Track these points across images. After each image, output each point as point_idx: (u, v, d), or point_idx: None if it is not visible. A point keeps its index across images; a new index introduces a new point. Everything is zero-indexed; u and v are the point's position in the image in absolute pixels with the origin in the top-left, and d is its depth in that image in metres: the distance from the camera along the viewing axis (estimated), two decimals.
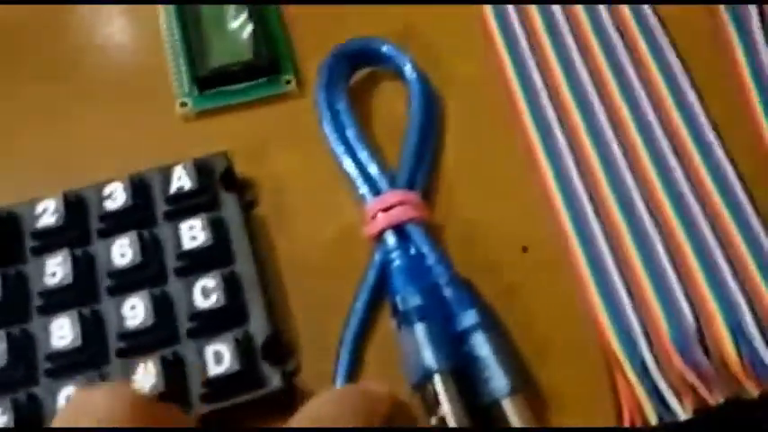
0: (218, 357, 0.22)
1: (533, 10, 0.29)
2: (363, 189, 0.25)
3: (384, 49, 0.28)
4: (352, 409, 0.20)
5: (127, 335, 0.23)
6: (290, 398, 0.23)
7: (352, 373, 0.24)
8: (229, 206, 0.25)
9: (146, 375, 0.22)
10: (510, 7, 0.29)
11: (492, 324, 0.23)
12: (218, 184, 0.26)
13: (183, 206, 0.25)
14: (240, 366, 0.22)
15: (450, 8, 0.30)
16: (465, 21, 0.30)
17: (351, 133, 0.26)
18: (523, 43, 0.28)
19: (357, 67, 0.28)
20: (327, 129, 0.26)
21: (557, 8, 0.29)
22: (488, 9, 0.29)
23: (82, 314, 0.23)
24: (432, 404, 0.22)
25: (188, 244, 0.24)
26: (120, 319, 0.23)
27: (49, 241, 0.25)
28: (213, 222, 0.25)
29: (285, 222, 0.26)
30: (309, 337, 0.24)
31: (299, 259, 0.26)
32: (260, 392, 0.23)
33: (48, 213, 0.25)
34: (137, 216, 0.25)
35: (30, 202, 0.25)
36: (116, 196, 0.25)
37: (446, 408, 0.21)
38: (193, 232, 0.24)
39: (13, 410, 0.22)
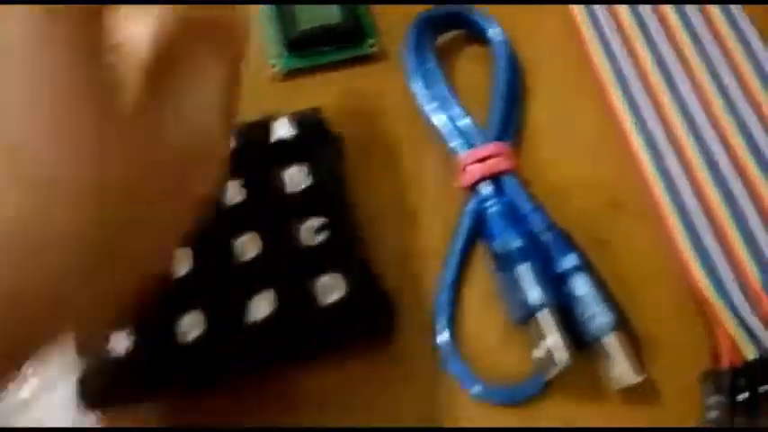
0: (329, 288, 0.23)
1: None
2: (455, 142, 0.26)
3: (469, 13, 0.29)
4: None
5: (239, 268, 0.24)
6: (388, 334, 0.24)
7: (452, 315, 0.25)
8: (325, 157, 0.26)
9: (259, 306, 0.23)
10: None
11: (591, 266, 0.24)
12: (313, 139, 0.27)
13: (284, 156, 0.26)
14: (350, 296, 0.23)
15: None
16: None
17: (441, 90, 0.27)
18: (602, 12, 0.30)
19: (441, 32, 0.29)
20: (417, 86, 0.27)
21: None
22: None
23: (195, 251, 0.24)
24: (536, 339, 0.23)
25: (291, 188, 0.25)
26: (232, 254, 0.24)
27: None
28: (313, 170, 0.25)
29: (372, 176, 0.27)
30: (402, 283, 0.25)
31: (387, 210, 0.27)
32: (364, 327, 0.23)
33: None
34: (241, 162, 0.26)
35: None
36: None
37: (552, 339, 0.22)
38: (297, 178, 0.25)
39: (134, 338, 0.23)
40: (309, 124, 0.26)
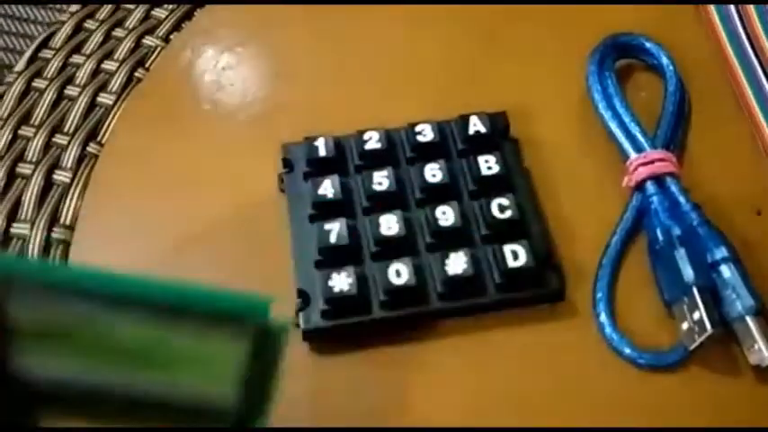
0: (516, 255, 0.28)
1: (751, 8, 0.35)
2: (627, 146, 0.31)
3: (647, 44, 0.33)
4: None
5: (438, 232, 0.29)
6: (557, 302, 0.28)
7: (611, 289, 0.29)
8: (509, 151, 0.31)
9: (456, 264, 0.28)
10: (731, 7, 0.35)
11: (739, 259, 0.28)
12: (499, 135, 0.32)
13: (476, 146, 0.31)
14: (533, 263, 0.28)
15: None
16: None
17: (617, 102, 0.32)
18: (742, 33, 0.34)
19: (619, 58, 0.34)
20: (597, 97, 0.32)
21: None
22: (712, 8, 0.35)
23: (403, 215, 0.29)
24: (685, 314, 0.27)
25: (485, 171, 0.30)
26: (434, 220, 0.29)
27: (372, 162, 0.31)
28: (500, 159, 0.31)
29: (547, 172, 0.32)
30: (571, 261, 0.30)
31: (560, 200, 0.31)
32: (541, 291, 0.28)
33: (372, 141, 0.31)
34: (440, 150, 0.31)
35: (358, 132, 0.32)
36: (425, 133, 0.31)
37: (699, 314, 0.26)
38: (489, 164, 0.30)
39: (354, 278, 0.28)
40: (497, 123, 0.32)
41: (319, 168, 0.31)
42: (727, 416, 0.27)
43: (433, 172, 0.30)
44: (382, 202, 0.30)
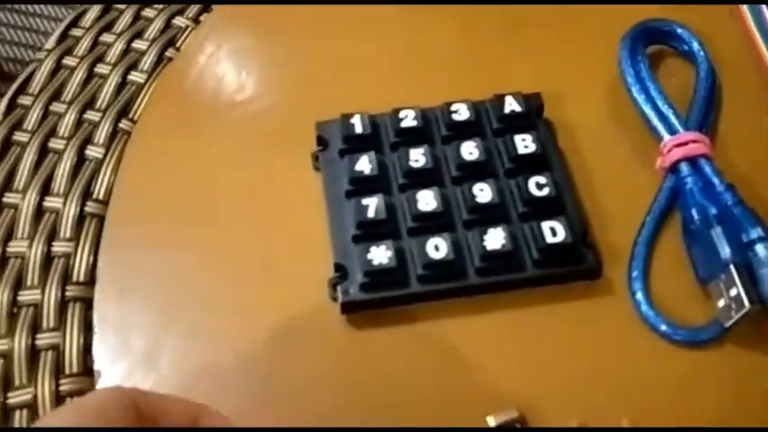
0: (554, 231, 0.28)
1: None
2: (661, 128, 0.31)
3: (678, 29, 0.34)
4: None
5: (476, 208, 0.29)
6: (594, 279, 0.29)
7: (646, 267, 0.29)
8: (543, 131, 0.32)
9: (494, 239, 0.28)
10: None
11: None
12: (534, 116, 0.32)
13: (512, 125, 0.31)
14: (571, 240, 0.28)
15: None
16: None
17: (650, 85, 0.32)
18: None
19: (652, 43, 0.34)
20: (631, 80, 0.33)
21: None
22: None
23: (440, 192, 0.30)
24: (722, 291, 0.27)
25: (522, 150, 0.30)
26: (471, 197, 0.29)
27: (408, 139, 0.31)
28: (537, 138, 0.31)
29: (580, 153, 0.32)
30: (605, 240, 0.30)
31: (594, 181, 0.32)
32: (578, 267, 0.29)
33: (408, 119, 0.32)
34: (476, 129, 0.32)
35: (393, 110, 0.32)
36: (461, 112, 0.32)
37: (736, 290, 0.27)
38: (526, 143, 0.31)
39: (393, 252, 0.28)
40: (532, 104, 0.32)
41: (355, 145, 0.31)
42: (762, 392, 0.27)
43: (470, 150, 0.31)
44: (419, 179, 0.30)
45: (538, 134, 0.31)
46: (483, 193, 0.29)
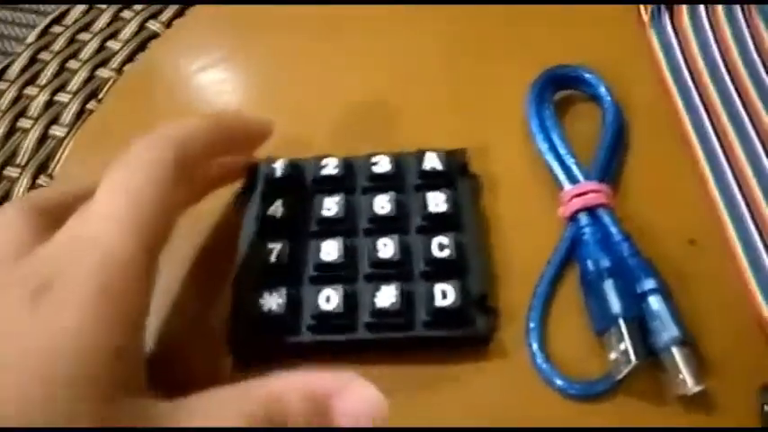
0: (445, 294, 0.28)
1: (690, 36, 0.36)
2: (562, 177, 0.31)
3: (585, 74, 0.34)
4: None
5: (377, 263, 0.29)
6: (484, 345, 0.29)
7: (543, 321, 0.29)
8: (464, 189, 0.32)
9: (385, 296, 0.28)
10: (669, 29, 0.36)
11: (667, 290, 0.28)
12: (456, 172, 0.32)
13: (431, 182, 0.31)
14: (461, 304, 0.28)
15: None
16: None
17: (554, 134, 0.33)
18: (684, 67, 0.35)
19: (558, 89, 0.35)
20: (535, 129, 0.33)
21: (709, 35, 0.36)
22: (653, 36, 0.36)
23: (345, 243, 0.30)
24: (613, 344, 0.27)
25: (433, 208, 0.30)
26: (374, 250, 0.29)
27: (327, 187, 0.31)
28: (451, 197, 0.31)
29: (497, 207, 0.32)
30: (508, 295, 0.30)
31: (506, 236, 0.32)
32: (468, 331, 0.28)
33: (329, 167, 0.32)
34: (395, 182, 0.32)
35: (314, 158, 0.32)
36: (382, 164, 0.32)
37: (626, 344, 0.27)
38: (437, 201, 0.30)
39: (285, 299, 0.28)
40: (451, 161, 0.32)
41: (275, 189, 0.32)
42: None
43: (383, 203, 0.31)
44: (330, 227, 0.30)
45: (456, 192, 0.31)
46: (386, 248, 0.29)
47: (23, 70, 0.40)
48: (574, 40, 0.37)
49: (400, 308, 0.28)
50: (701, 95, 0.34)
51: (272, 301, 0.28)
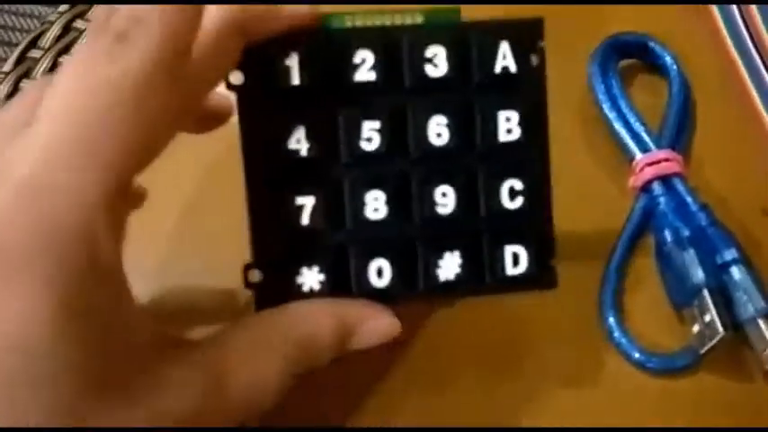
0: (517, 259, 0.25)
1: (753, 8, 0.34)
2: (633, 146, 0.30)
3: (650, 43, 0.33)
4: None
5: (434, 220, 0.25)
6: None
7: (618, 293, 0.28)
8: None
9: (448, 266, 0.24)
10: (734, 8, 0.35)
11: (748, 260, 0.27)
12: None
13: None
14: (536, 272, 0.25)
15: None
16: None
17: (621, 102, 0.31)
18: (745, 33, 0.34)
19: (623, 58, 0.33)
20: (602, 97, 0.31)
21: None
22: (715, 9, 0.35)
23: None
24: (696, 316, 0.26)
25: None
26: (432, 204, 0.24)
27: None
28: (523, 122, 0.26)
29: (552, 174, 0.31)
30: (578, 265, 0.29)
31: (562, 202, 0.30)
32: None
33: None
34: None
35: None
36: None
37: (710, 316, 0.26)
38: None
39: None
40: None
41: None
42: (738, 419, 0.26)
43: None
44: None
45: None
46: (445, 198, 0.24)
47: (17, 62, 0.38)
48: (633, 10, 0.36)
49: (467, 277, 0.24)
50: (763, 61, 0.33)
51: (311, 280, 0.24)
